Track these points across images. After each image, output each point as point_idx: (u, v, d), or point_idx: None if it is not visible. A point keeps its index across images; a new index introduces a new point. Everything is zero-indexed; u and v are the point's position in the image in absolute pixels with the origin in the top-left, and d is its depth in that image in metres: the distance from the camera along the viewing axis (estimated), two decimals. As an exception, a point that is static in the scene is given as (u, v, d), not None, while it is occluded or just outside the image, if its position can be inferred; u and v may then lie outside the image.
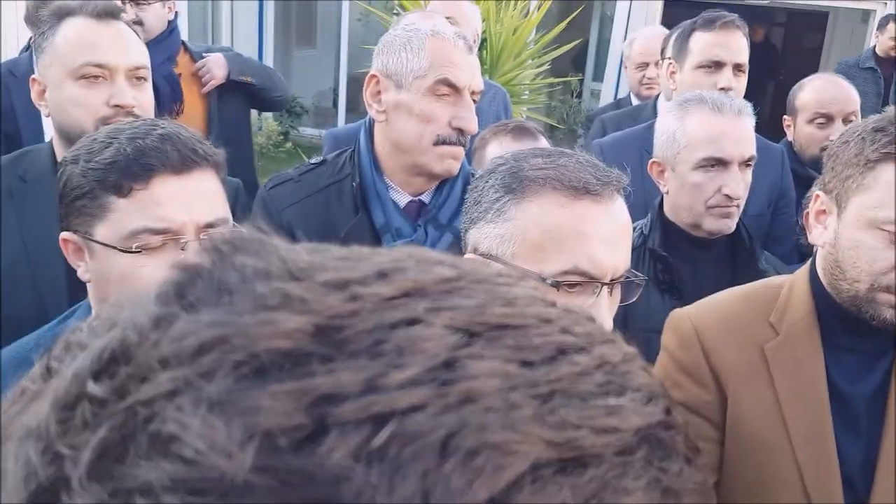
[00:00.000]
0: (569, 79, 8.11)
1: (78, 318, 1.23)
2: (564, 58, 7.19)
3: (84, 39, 1.65)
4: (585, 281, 1.08)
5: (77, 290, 1.51)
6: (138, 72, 1.68)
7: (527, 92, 5.92)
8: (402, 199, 1.74)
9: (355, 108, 11.53)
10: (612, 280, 1.10)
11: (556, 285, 1.07)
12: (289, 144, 9.43)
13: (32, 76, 1.72)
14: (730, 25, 2.38)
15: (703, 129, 1.76)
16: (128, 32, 1.72)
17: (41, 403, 0.29)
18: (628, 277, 1.13)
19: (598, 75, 10.71)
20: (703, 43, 2.38)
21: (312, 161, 1.86)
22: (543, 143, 2.26)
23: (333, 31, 11.58)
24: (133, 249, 1.10)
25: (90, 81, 1.63)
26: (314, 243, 0.34)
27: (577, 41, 7.84)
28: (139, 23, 2.71)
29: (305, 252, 0.32)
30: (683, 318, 1.35)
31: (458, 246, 1.73)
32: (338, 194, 1.75)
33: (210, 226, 1.15)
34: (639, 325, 1.65)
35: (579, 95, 10.32)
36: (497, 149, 2.24)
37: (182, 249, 1.12)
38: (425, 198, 1.76)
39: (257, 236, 0.32)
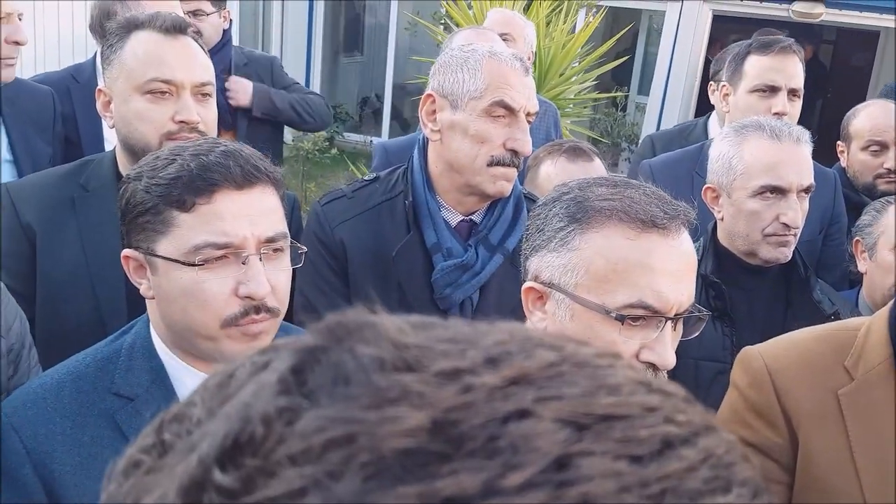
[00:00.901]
0: (616, 94, 8.06)
1: (136, 334, 1.24)
2: (609, 70, 7.15)
3: (152, 54, 1.65)
4: (650, 315, 1.08)
5: (135, 300, 1.52)
6: (204, 88, 1.69)
7: (571, 105, 5.90)
8: (454, 218, 1.75)
9: (399, 115, 11.63)
10: (676, 315, 1.10)
11: (621, 318, 1.07)
12: (334, 150, 9.52)
13: (98, 87, 1.74)
14: (787, 50, 2.35)
15: (761, 156, 1.74)
16: (195, 48, 1.72)
17: (161, 482, 0.30)
18: (692, 312, 1.12)
19: (644, 89, 10.63)
20: (758, 67, 2.36)
21: (365, 178, 1.88)
22: (598, 164, 2.25)
23: (381, 39, 11.69)
24: (196, 263, 1.11)
25: (157, 97, 1.64)
26: (416, 317, 0.35)
27: (625, 58, 7.80)
28: (198, 33, 2.77)
29: (412, 331, 0.33)
30: (755, 357, 1.32)
31: (507, 266, 1.74)
32: (390, 212, 1.76)
33: (270, 240, 1.16)
34: (690, 352, 1.63)
35: (624, 109, 10.26)
36: (551, 169, 2.24)
37: (243, 263, 1.13)
38: (476, 217, 1.77)
39: (368, 318, 0.33)
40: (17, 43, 2.15)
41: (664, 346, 1.09)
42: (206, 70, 1.72)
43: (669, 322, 1.09)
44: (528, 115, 1.69)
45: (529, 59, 3.12)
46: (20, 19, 2.18)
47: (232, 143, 1.20)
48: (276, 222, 1.17)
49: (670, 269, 1.08)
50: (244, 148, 1.19)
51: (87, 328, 1.60)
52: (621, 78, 9.58)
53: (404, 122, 11.70)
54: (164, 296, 1.16)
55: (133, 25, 1.69)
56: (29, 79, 2.59)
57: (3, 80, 2.18)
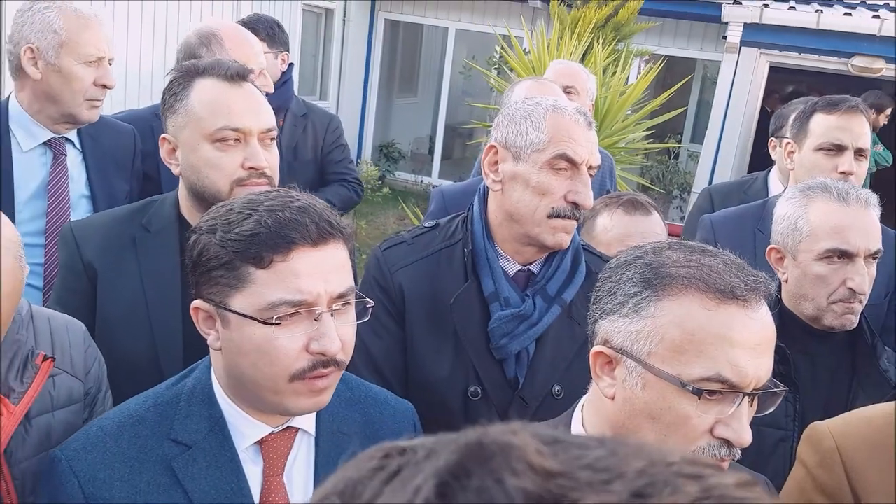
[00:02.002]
0: (671, 144, 8.03)
1: (196, 379, 1.24)
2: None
3: (220, 103, 1.66)
4: (727, 390, 1.04)
5: (191, 341, 1.53)
6: (269, 133, 1.72)
7: (623, 152, 5.90)
8: (512, 267, 1.75)
9: (449, 155, 11.75)
10: (754, 390, 1.06)
11: (697, 393, 1.03)
12: (385, 189, 9.64)
13: (162, 135, 1.73)
14: (854, 110, 2.32)
15: (827, 218, 1.71)
16: (258, 95, 1.74)
17: None
18: (769, 388, 1.08)
19: (696, 137, 10.58)
20: (825, 125, 2.33)
21: (425, 225, 1.89)
22: (657, 217, 2.23)
23: (435, 81, 11.88)
24: (272, 321, 1.11)
25: (226, 144, 1.66)
26: (545, 431, 0.35)
27: (681, 109, 7.79)
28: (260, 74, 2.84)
29: (550, 454, 0.33)
30: (825, 435, 1.28)
31: (564, 318, 1.72)
32: (448, 259, 1.77)
33: (342, 296, 1.16)
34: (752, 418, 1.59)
35: (676, 156, 10.21)
36: (607, 221, 2.23)
37: (315, 320, 1.13)
38: (534, 268, 1.76)
39: (506, 439, 0.33)
40: (104, 86, 2.24)
41: (740, 423, 1.05)
42: (270, 116, 1.74)
43: (747, 397, 1.06)
44: (590, 168, 1.69)
45: (590, 109, 3.14)
46: (110, 64, 2.27)
47: (304, 196, 1.19)
48: (346, 278, 1.17)
49: (750, 343, 1.04)
50: (316, 202, 1.18)
51: (142, 367, 1.62)
52: (674, 125, 9.55)
53: (455, 161, 11.81)
54: (234, 349, 1.15)
55: (196, 72, 1.71)
56: (114, 115, 2.69)
57: (87, 120, 2.26)
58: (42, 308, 1.39)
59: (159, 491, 1.14)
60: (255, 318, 1.11)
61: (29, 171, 2.23)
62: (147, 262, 1.72)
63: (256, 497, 1.18)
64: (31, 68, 2.17)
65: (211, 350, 1.22)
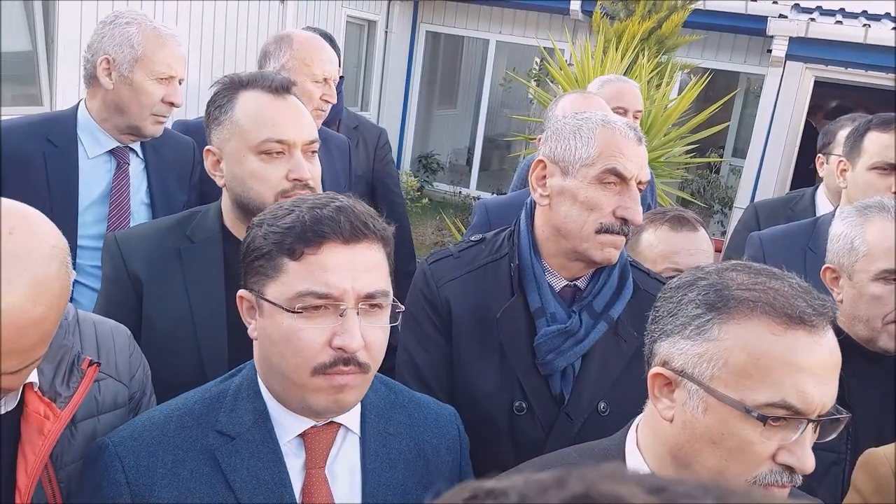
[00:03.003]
0: (713, 159, 7.95)
1: (244, 375, 1.27)
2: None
3: (264, 115, 1.68)
4: (791, 416, 1.02)
5: (237, 350, 1.57)
6: (312, 145, 1.74)
7: (665, 167, 5.84)
8: (558, 283, 1.74)
9: (487, 167, 11.76)
10: (818, 416, 1.04)
11: (763, 419, 1.01)
12: (425, 200, 9.68)
13: (207, 147, 1.77)
14: (909, 127, 2.28)
15: (885, 238, 1.67)
16: (301, 107, 1.77)
17: None
18: (832, 414, 1.06)
19: (738, 151, 10.46)
20: (878, 144, 2.29)
21: (472, 238, 1.89)
22: (703, 234, 2.20)
23: (474, 93, 11.92)
24: (296, 310, 1.14)
25: (271, 156, 1.68)
26: (648, 479, 0.34)
27: (725, 124, 7.70)
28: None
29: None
30: (882, 462, 1.25)
31: (610, 335, 1.71)
32: (494, 273, 1.76)
33: (370, 296, 1.17)
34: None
35: (718, 171, 10.09)
36: (652, 237, 2.20)
37: (340, 316, 1.15)
38: (581, 283, 1.75)
39: (615, 491, 0.33)
40: (172, 104, 2.32)
41: (804, 450, 1.02)
42: (313, 128, 1.77)
43: (811, 424, 1.03)
44: (639, 183, 1.68)
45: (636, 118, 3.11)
46: (180, 83, 2.34)
47: (348, 198, 1.23)
48: (378, 279, 1.19)
49: (817, 369, 1.02)
50: (358, 204, 1.21)
51: (189, 377, 1.61)
52: (715, 139, 9.46)
53: (493, 172, 11.82)
54: (265, 338, 1.20)
55: (240, 85, 1.73)
56: (179, 123, 2.79)
57: (151, 134, 2.34)
58: (88, 313, 1.41)
59: (202, 480, 1.16)
60: (282, 307, 1.15)
61: (93, 178, 2.30)
62: (192, 273, 1.74)
63: (298, 489, 1.20)
64: (104, 78, 2.27)
65: (254, 344, 1.26)
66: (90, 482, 1.18)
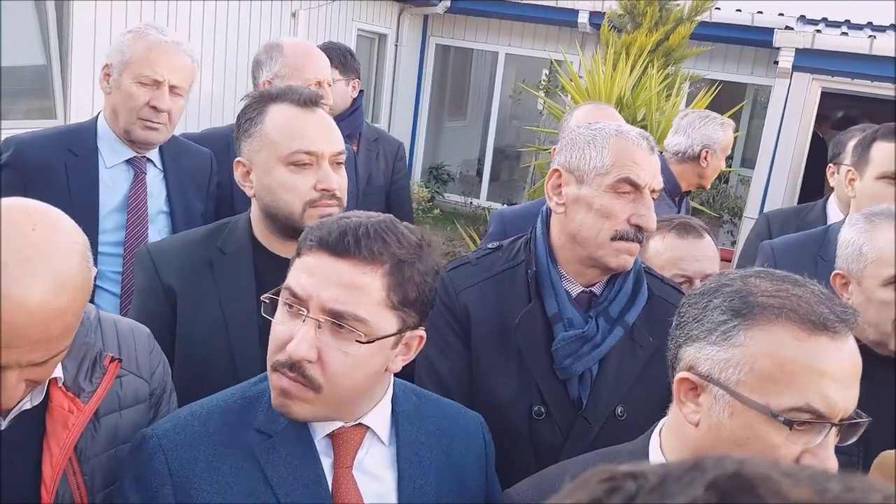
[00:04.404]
0: (723, 169, 7.95)
1: None
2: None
3: (294, 128, 1.73)
4: (815, 420, 1.05)
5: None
6: (339, 157, 1.78)
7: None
8: (574, 289, 1.78)
9: (497, 177, 11.80)
10: (841, 420, 1.06)
11: (789, 423, 1.04)
12: (436, 210, 9.72)
13: (237, 158, 1.80)
14: (916, 137, 2.32)
15: (892, 245, 1.71)
16: (329, 119, 1.81)
17: None
18: (854, 418, 1.08)
19: (747, 162, 10.47)
20: (886, 153, 2.33)
21: (489, 246, 1.93)
22: (709, 241, 2.24)
23: (484, 105, 11.98)
24: (283, 300, 1.22)
25: (300, 167, 1.72)
26: (784, 467, 0.37)
27: (735, 134, 7.71)
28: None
29: (809, 485, 0.35)
30: None
31: (626, 340, 1.74)
32: (512, 280, 1.80)
33: (335, 313, 1.16)
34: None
35: (727, 181, 10.11)
36: (659, 244, 2.24)
37: (303, 321, 1.17)
38: (596, 289, 1.78)
39: (761, 471, 0.35)
40: (156, 108, 2.31)
41: (827, 453, 1.05)
42: (340, 140, 1.81)
43: (833, 428, 1.06)
44: (652, 191, 1.72)
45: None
46: (175, 91, 2.35)
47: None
48: (353, 301, 1.16)
49: (840, 374, 1.05)
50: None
51: (223, 386, 1.67)
52: (725, 150, 9.47)
53: (502, 184, 11.86)
54: None
55: (269, 98, 1.78)
56: (196, 134, 2.84)
57: (142, 139, 2.35)
58: (108, 313, 1.45)
59: (241, 475, 1.19)
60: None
61: (112, 186, 2.36)
62: (224, 284, 1.77)
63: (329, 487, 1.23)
64: (104, 84, 2.35)
65: None
66: (133, 473, 1.21)
